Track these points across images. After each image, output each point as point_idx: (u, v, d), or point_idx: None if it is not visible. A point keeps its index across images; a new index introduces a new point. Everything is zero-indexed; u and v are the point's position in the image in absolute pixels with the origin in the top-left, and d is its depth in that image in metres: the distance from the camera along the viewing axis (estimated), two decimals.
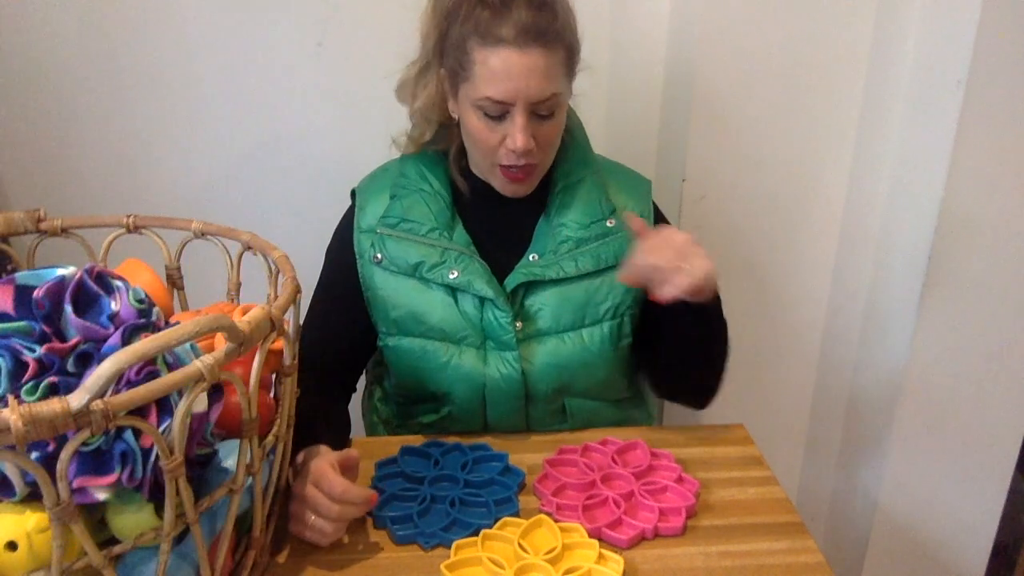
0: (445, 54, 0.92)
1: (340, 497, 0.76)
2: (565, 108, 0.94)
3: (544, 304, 0.98)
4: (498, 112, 0.89)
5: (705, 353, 0.99)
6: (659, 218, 1.05)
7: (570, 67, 0.92)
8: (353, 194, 1.04)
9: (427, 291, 0.97)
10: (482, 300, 0.96)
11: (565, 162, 1.01)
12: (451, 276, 0.95)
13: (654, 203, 1.05)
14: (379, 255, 0.98)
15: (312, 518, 0.77)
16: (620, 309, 0.99)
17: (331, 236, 1.05)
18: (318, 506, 0.76)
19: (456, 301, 0.97)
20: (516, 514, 0.84)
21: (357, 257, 1.00)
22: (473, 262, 0.96)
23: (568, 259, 0.97)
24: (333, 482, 0.76)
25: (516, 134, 0.88)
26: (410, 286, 0.97)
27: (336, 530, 0.78)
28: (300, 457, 0.83)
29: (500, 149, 0.91)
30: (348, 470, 0.80)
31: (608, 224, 0.99)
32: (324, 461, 0.78)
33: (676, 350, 0.99)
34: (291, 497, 0.79)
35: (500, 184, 0.97)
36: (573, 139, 1.03)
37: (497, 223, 1.01)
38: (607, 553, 0.78)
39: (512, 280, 0.97)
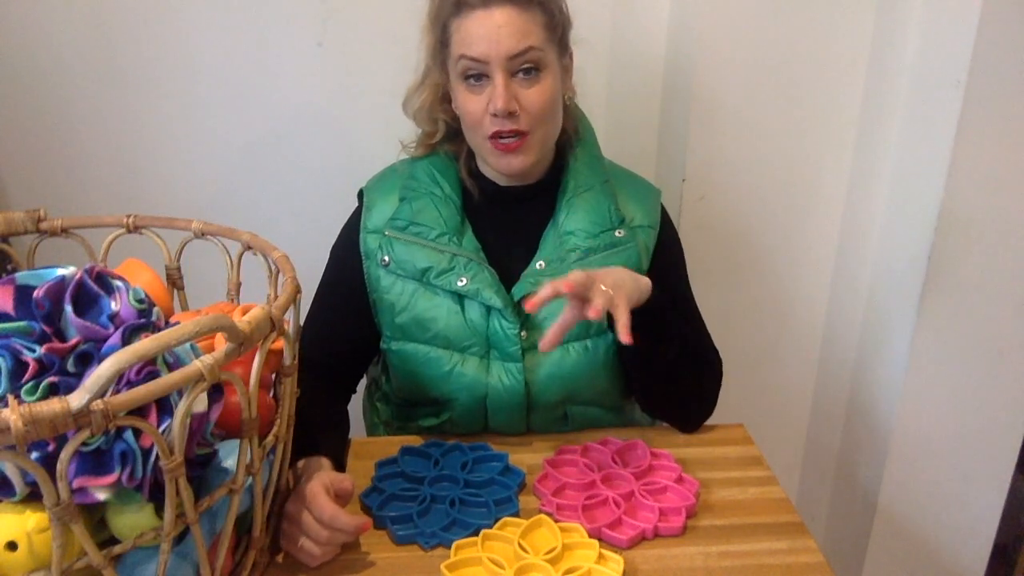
0: (438, 51, 0.94)
1: (329, 523, 0.75)
2: (554, 76, 0.92)
3: (550, 314, 0.96)
4: (476, 72, 0.90)
5: (660, 370, 0.97)
6: (667, 225, 1.04)
7: (552, 31, 0.91)
8: (361, 194, 1.04)
9: (434, 297, 0.97)
10: (488, 309, 0.96)
11: (575, 168, 1.00)
12: (459, 283, 0.95)
13: (664, 210, 1.05)
14: (386, 258, 0.97)
15: (302, 539, 0.76)
16: None
17: (331, 236, 1.04)
18: (308, 529, 0.76)
19: (463, 309, 0.96)
20: (516, 514, 0.84)
21: (363, 257, 1.00)
22: (482, 270, 0.96)
23: (576, 269, 0.96)
24: (323, 507, 0.75)
25: (496, 92, 0.89)
26: (417, 292, 0.97)
27: (325, 553, 0.77)
28: (300, 464, 0.83)
29: (486, 118, 0.91)
30: (340, 498, 0.79)
31: (617, 235, 0.98)
32: (319, 483, 0.77)
33: (630, 365, 0.99)
34: (284, 515, 0.78)
35: (493, 159, 0.95)
36: (584, 145, 1.02)
37: (506, 227, 1.01)
38: (607, 553, 0.78)
39: (519, 290, 0.96)
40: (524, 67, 0.89)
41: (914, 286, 1.19)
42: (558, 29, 0.92)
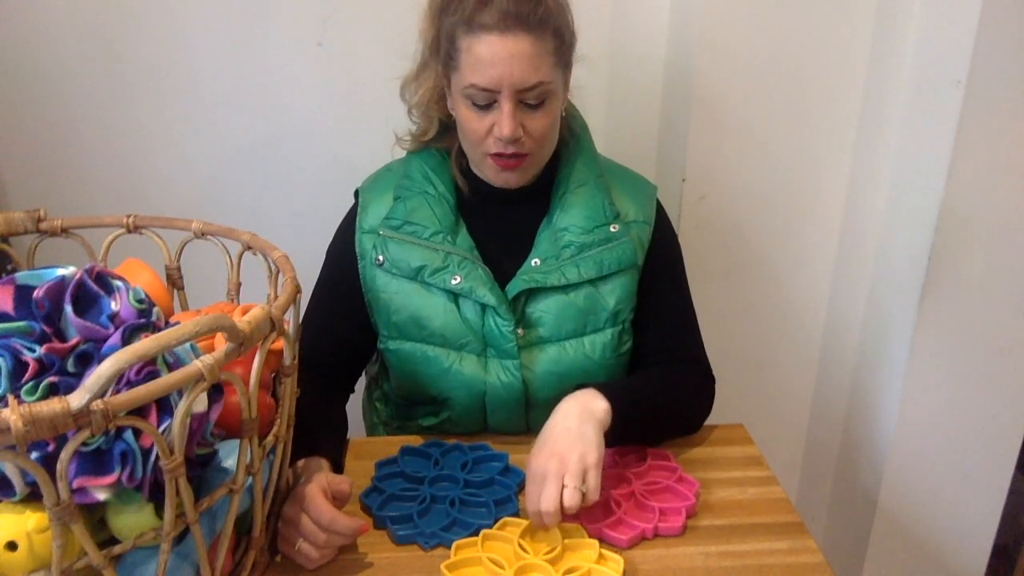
0: (439, 49, 0.92)
1: (327, 526, 0.75)
2: (558, 100, 0.93)
3: (546, 311, 0.97)
4: (485, 100, 0.89)
5: (653, 433, 0.97)
6: (663, 221, 1.04)
7: (561, 56, 0.90)
8: (356, 194, 1.04)
9: (429, 296, 0.97)
10: (484, 307, 0.96)
11: (569, 165, 1.00)
12: (453, 282, 0.95)
13: (660, 206, 1.05)
14: (381, 257, 0.97)
15: (300, 542, 0.76)
16: (621, 315, 0.99)
17: (331, 236, 1.04)
18: (305, 532, 0.76)
19: (458, 307, 0.96)
20: (516, 514, 0.84)
21: (359, 258, 1.00)
22: (476, 268, 0.96)
23: (570, 265, 0.96)
24: (321, 510, 0.75)
25: (503, 121, 0.88)
26: (412, 290, 0.97)
27: (322, 556, 0.77)
28: (300, 464, 0.83)
29: (488, 138, 0.91)
30: (337, 500, 0.79)
31: (611, 229, 0.98)
32: (316, 486, 0.77)
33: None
34: (281, 517, 0.78)
35: (491, 173, 0.96)
36: (578, 141, 1.02)
37: (500, 226, 1.01)
38: (607, 553, 0.78)
39: (514, 287, 0.96)
40: (531, 100, 0.89)
41: (914, 286, 1.19)
42: (566, 53, 0.92)
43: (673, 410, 0.97)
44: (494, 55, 0.85)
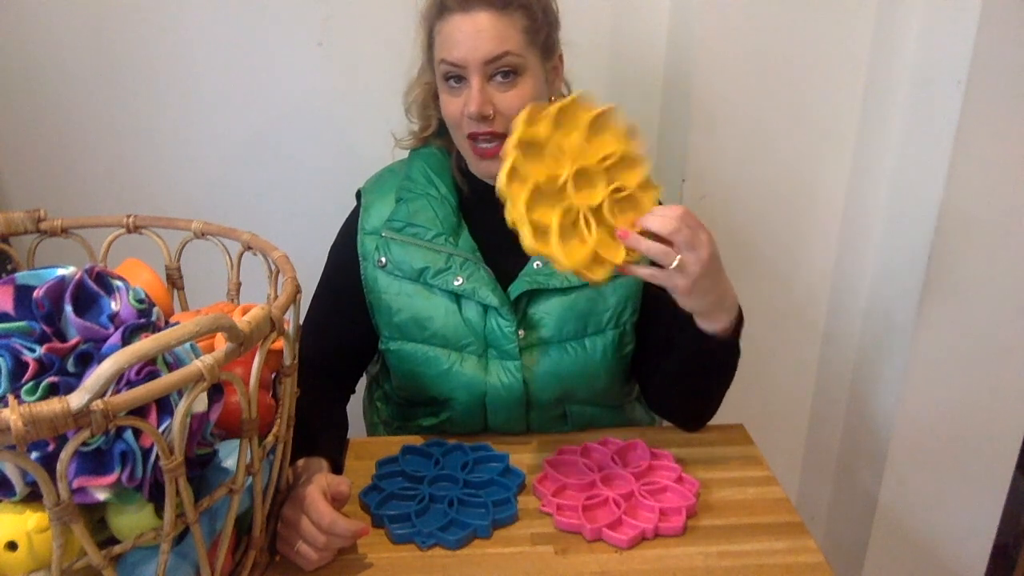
0: (426, 50, 0.95)
1: (328, 529, 0.75)
2: (534, 80, 0.92)
3: (547, 313, 0.97)
4: (455, 74, 0.90)
5: (706, 383, 0.97)
6: None
7: (533, 35, 0.91)
8: (358, 195, 1.04)
9: (431, 297, 0.97)
10: (485, 308, 0.96)
11: None
12: (456, 283, 0.95)
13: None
14: (383, 259, 0.98)
15: (299, 544, 0.76)
16: (623, 318, 0.99)
17: (331, 236, 1.05)
18: (305, 534, 0.76)
19: (460, 308, 0.97)
20: (514, 516, 0.84)
21: (361, 259, 1.00)
22: (478, 269, 0.96)
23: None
24: (322, 513, 0.75)
25: (470, 96, 0.89)
26: (414, 291, 0.97)
27: (322, 558, 0.77)
28: (299, 463, 0.83)
29: (463, 119, 0.92)
30: (337, 501, 0.79)
31: None
32: (316, 488, 0.77)
33: (676, 374, 0.96)
34: (281, 519, 0.78)
35: (473, 164, 0.96)
36: None
37: (502, 227, 1.00)
38: (652, 182, 0.82)
39: (516, 288, 0.96)
40: (502, 71, 0.90)
41: (914, 286, 1.19)
42: (541, 32, 0.92)
43: (732, 368, 0.98)
44: (459, 32, 0.89)
